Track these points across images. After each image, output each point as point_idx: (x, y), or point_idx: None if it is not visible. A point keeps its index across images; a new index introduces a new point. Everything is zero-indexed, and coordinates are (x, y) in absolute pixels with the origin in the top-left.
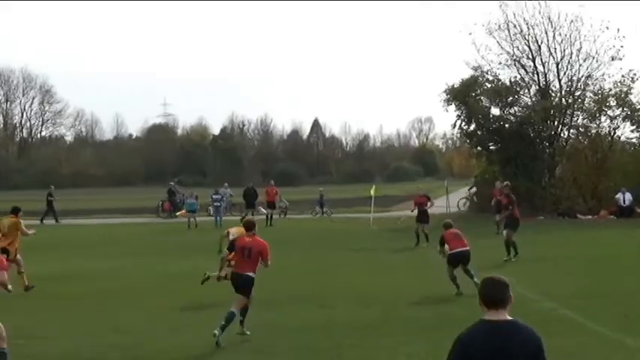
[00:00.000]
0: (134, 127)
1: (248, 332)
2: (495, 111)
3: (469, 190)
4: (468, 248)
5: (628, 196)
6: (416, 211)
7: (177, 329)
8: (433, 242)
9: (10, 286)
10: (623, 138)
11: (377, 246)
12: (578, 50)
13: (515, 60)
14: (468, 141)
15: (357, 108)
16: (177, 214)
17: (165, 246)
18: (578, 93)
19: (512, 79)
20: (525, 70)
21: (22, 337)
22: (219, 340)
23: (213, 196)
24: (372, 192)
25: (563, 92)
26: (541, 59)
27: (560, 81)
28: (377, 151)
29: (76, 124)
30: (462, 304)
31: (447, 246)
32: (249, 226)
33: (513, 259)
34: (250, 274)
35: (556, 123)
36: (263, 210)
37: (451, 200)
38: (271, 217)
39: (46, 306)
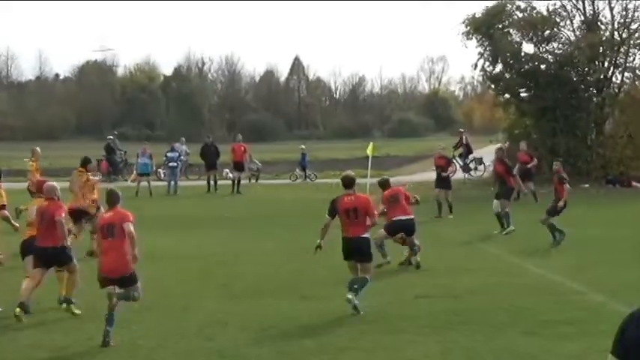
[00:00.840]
0: (62, 66)
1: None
2: (528, 48)
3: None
4: (412, 217)
5: None
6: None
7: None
8: (459, 215)
9: None
10: None
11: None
12: None
13: None
14: (493, 86)
15: (350, 44)
16: (130, 180)
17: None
18: (635, 26)
19: (551, 8)
20: None
21: None
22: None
23: (168, 154)
24: (369, 151)
25: (615, 25)
26: None
27: (612, 10)
28: (375, 98)
29: None
30: (482, 295)
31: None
32: (350, 183)
33: (503, 233)
34: (365, 235)
35: (606, 64)
36: (229, 173)
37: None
38: (239, 181)
39: None
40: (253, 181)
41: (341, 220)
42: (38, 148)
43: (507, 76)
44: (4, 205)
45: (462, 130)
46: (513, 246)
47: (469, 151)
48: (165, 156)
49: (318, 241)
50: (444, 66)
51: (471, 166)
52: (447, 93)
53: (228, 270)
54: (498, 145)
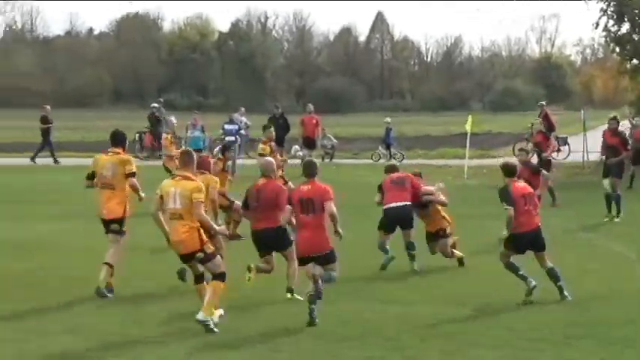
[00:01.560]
0: (97, 20)
1: None
2: None
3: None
4: (407, 203)
5: None
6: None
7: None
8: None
9: None
10: None
11: (475, 212)
12: None
13: None
14: (618, 50)
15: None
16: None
17: (145, 205)
18: None
19: None
20: None
21: None
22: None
23: (225, 127)
24: (468, 126)
25: None
26: None
27: None
28: (474, 63)
29: (7, 10)
30: (607, 303)
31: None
32: (514, 171)
33: (616, 220)
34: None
35: None
36: (299, 151)
37: (591, 141)
38: None
39: None
40: (327, 160)
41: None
42: (173, 118)
43: (636, 37)
44: (134, 173)
45: (543, 103)
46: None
47: (551, 128)
48: (222, 129)
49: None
50: (557, 25)
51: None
52: (562, 58)
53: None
54: (612, 114)
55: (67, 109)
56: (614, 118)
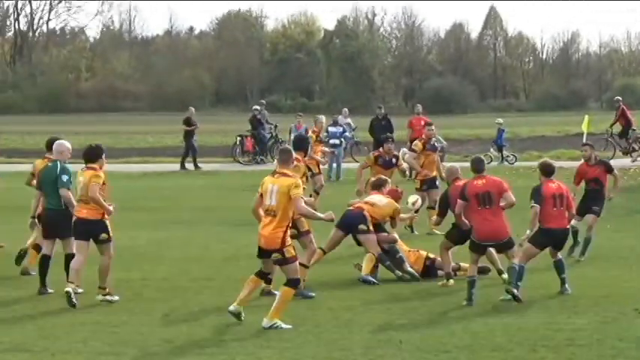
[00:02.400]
0: (197, 19)
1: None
2: None
3: None
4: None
5: None
6: None
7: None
8: None
9: None
10: None
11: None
12: None
13: None
14: None
15: None
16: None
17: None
18: None
19: None
20: None
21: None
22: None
23: (330, 130)
24: (584, 126)
25: None
26: None
27: None
28: (592, 60)
29: (104, 10)
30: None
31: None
32: (550, 171)
33: None
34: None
35: None
36: (406, 153)
37: None
38: None
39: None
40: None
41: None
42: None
43: None
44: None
45: (619, 98)
46: None
47: (629, 125)
48: (327, 131)
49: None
50: None
51: (635, 146)
52: None
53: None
54: None
55: (166, 112)
56: None
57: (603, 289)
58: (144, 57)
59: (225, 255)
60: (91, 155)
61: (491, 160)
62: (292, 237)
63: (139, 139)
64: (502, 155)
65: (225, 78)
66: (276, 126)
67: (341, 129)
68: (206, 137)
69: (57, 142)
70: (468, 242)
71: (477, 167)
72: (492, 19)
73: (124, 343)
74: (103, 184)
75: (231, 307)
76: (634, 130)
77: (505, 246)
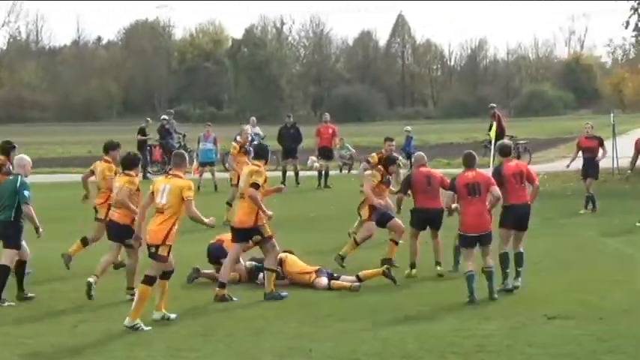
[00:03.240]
0: (105, 29)
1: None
2: None
3: None
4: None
5: None
6: (580, 162)
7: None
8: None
9: None
10: None
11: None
12: None
13: None
14: None
15: (467, 1)
16: (192, 171)
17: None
18: None
19: None
20: None
21: None
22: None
23: (238, 139)
24: (492, 133)
25: None
26: None
27: None
28: (500, 67)
29: (11, 21)
30: (637, 316)
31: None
32: (507, 151)
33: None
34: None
35: None
36: (315, 162)
37: (622, 146)
38: (326, 173)
39: None
40: (345, 171)
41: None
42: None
43: None
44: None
45: (494, 105)
46: None
47: (503, 132)
48: (235, 140)
49: None
50: (587, 25)
51: (513, 154)
52: (592, 59)
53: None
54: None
55: (73, 122)
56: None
57: (513, 295)
58: (51, 67)
59: None
60: (130, 163)
61: (401, 168)
62: (256, 243)
63: (48, 150)
64: (411, 162)
65: (132, 87)
66: (184, 135)
67: (249, 137)
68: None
69: (19, 156)
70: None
71: (469, 162)
72: (400, 27)
73: (33, 354)
74: (137, 190)
75: (154, 315)
76: (512, 137)
77: (486, 239)
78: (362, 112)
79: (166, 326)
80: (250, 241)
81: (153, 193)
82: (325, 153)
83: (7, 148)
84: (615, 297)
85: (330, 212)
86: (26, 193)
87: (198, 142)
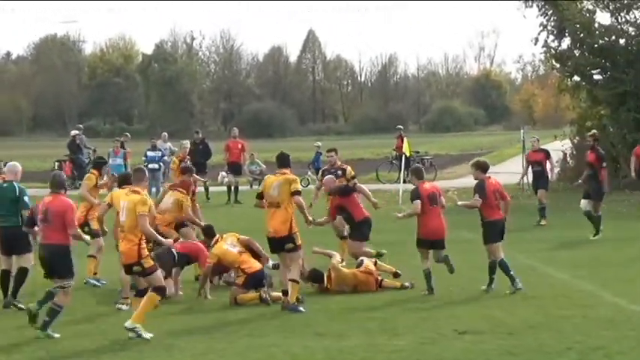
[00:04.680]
0: (14, 43)
1: None
2: (603, 18)
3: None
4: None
5: None
6: (529, 175)
7: None
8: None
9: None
10: None
11: (407, 238)
12: None
13: None
14: (558, 67)
15: (378, 15)
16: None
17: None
18: None
19: None
20: None
21: None
22: None
23: (148, 154)
24: (406, 149)
25: None
26: None
27: None
28: (410, 83)
29: None
30: (545, 330)
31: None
32: (487, 167)
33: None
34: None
35: None
36: (225, 177)
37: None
38: (236, 188)
39: None
40: (256, 186)
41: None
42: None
43: (577, 53)
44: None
45: (401, 127)
46: (584, 269)
47: (399, 151)
48: (145, 156)
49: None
50: (496, 41)
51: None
52: (501, 75)
53: (224, 300)
54: (592, 131)
55: None
56: (594, 134)
57: (423, 312)
58: None
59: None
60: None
61: (309, 183)
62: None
63: None
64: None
65: (42, 103)
66: (94, 150)
67: (160, 153)
68: (24, 162)
69: (11, 163)
70: None
71: (421, 175)
72: (311, 42)
73: None
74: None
75: (127, 323)
76: (417, 152)
77: (440, 245)
78: (273, 128)
79: (77, 340)
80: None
81: (109, 204)
82: (234, 168)
83: None
84: (523, 312)
85: (240, 227)
86: (26, 199)
87: (109, 157)
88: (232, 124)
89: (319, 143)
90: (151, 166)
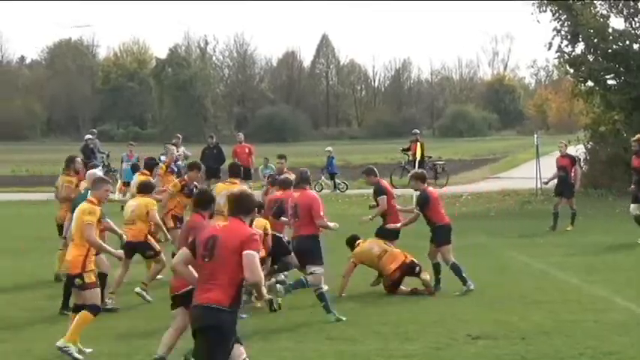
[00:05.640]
0: (28, 48)
1: None
2: (617, 23)
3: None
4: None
5: None
6: (554, 181)
7: None
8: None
9: None
10: None
11: (419, 243)
12: None
13: None
14: (572, 72)
15: (392, 20)
16: (116, 194)
17: None
18: None
19: None
20: None
21: None
22: None
23: (162, 158)
24: (419, 154)
25: None
26: None
27: None
28: (424, 87)
29: None
30: (557, 335)
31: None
32: (425, 177)
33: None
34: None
35: None
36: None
37: (545, 167)
38: None
39: None
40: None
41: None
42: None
43: (590, 58)
44: None
45: (417, 131)
46: (597, 274)
47: (414, 157)
48: (159, 160)
49: None
50: (510, 46)
51: (429, 175)
52: (515, 80)
53: None
54: (637, 136)
55: None
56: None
57: (436, 316)
58: None
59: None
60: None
61: (322, 188)
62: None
63: None
64: (334, 183)
65: (56, 107)
66: (108, 155)
67: (173, 157)
68: (38, 166)
69: (91, 171)
70: None
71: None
72: (324, 47)
73: None
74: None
75: (58, 343)
76: (430, 157)
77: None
78: (286, 133)
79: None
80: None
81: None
82: (244, 174)
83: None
84: (535, 317)
85: None
86: None
87: (122, 162)
88: (246, 129)
89: (330, 148)
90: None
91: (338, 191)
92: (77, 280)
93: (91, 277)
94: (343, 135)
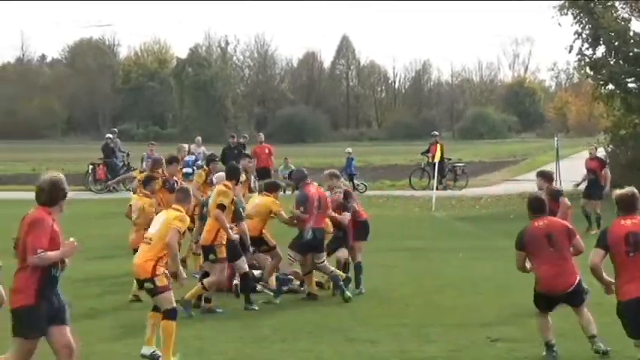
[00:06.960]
0: (49, 46)
1: None
2: (639, 26)
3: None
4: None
5: None
6: (584, 184)
7: None
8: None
9: None
10: None
11: (440, 245)
12: None
13: None
14: (593, 74)
15: (413, 21)
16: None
17: (100, 241)
18: None
19: None
20: None
21: None
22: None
23: (187, 159)
24: (438, 156)
25: None
26: None
27: None
28: (444, 89)
29: None
30: (586, 339)
31: None
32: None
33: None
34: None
35: None
36: (256, 182)
37: (565, 170)
38: None
39: None
40: (289, 192)
41: None
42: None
43: (611, 61)
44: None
45: (436, 133)
46: None
47: (433, 157)
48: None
49: None
50: (531, 49)
51: (449, 177)
52: (535, 83)
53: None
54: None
55: (16, 140)
56: None
57: (455, 318)
58: None
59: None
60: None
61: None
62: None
63: None
64: (353, 184)
65: (77, 106)
66: (128, 154)
67: (193, 157)
68: (59, 165)
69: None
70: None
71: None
72: (345, 48)
73: None
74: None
75: (143, 350)
76: (449, 159)
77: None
78: (306, 133)
79: (105, 344)
80: None
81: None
82: (264, 173)
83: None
84: (556, 320)
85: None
86: None
87: (142, 161)
88: (266, 130)
89: (350, 149)
90: (185, 170)
91: (357, 192)
92: (147, 285)
93: (162, 281)
94: (363, 136)
